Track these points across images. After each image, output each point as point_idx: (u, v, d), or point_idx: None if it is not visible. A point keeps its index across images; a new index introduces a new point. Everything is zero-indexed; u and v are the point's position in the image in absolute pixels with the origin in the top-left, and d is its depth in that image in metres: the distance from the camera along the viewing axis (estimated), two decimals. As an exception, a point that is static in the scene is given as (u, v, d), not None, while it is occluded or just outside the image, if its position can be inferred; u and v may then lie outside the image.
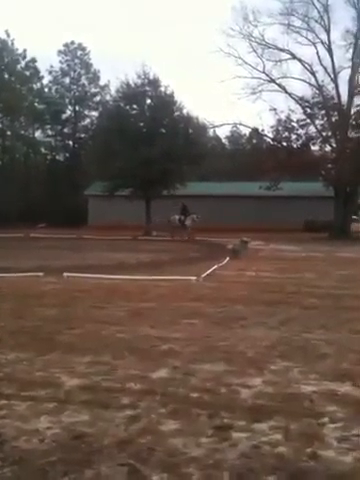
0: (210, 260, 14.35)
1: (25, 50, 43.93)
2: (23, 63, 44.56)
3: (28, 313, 7.11)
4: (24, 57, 44.31)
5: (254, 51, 30.82)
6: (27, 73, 44.99)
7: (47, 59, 55.17)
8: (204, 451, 3.15)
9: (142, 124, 30.41)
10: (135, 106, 30.46)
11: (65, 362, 4.86)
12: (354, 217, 31.55)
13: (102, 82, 46.52)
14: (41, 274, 10.89)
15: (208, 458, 3.07)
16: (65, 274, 10.81)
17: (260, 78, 30.95)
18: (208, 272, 11.43)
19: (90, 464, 2.97)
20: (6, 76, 43.48)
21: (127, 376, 4.47)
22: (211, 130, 40.65)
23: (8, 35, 42.63)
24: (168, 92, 29.98)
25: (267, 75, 30.85)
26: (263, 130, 32.63)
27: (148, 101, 30.54)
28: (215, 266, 12.58)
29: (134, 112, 30.74)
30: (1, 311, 7.23)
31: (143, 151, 26.93)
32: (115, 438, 3.30)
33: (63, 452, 3.11)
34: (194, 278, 10.39)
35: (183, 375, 4.50)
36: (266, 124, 47.65)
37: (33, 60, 44.74)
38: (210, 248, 20.00)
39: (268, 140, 32.75)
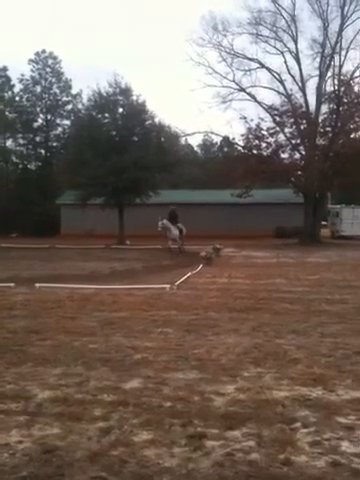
0: (183, 267, 14.37)
1: (-5, 58, 43.53)
2: (-7, 72, 44.05)
3: (-2, 325, 6.98)
4: (-6, 66, 43.82)
5: (224, 60, 31.18)
6: (-2, 82, 44.47)
7: (18, 68, 54.66)
8: (178, 461, 3.14)
9: (114, 133, 30.32)
10: (107, 115, 30.35)
11: (36, 374, 4.79)
12: (323, 223, 32.03)
13: (74, 91, 46.31)
14: (12, 285, 10.72)
15: (181, 468, 3.06)
16: (37, 285, 10.66)
17: (230, 87, 31.31)
18: (182, 280, 11.44)
19: (62, 478, 2.93)
20: (-24, 85, 42.93)
21: (99, 387, 4.43)
22: (183, 138, 40.97)
23: (-23, 43, 42.19)
24: (140, 101, 30.01)
25: (237, 84, 31.22)
26: (234, 138, 33.04)
27: (120, 110, 30.49)
28: (189, 273, 12.61)
29: (106, 121, 30.63)
30: (-30, 324, 7.08)
31: (115, 159, 26.84)
32: (87, 451, 3.26)
33: (34, 466, 3.06)
34: (168, 286, 10.39)
35: (156, 384, 4.48)
36: (237, 132, 48.38)
37: (4, 68, 44.26)
38: (183, 255, 20.03)
39: (239, 148, 33.08)
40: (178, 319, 7.34)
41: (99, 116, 30.48)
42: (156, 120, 30.86)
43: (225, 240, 23.28)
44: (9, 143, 46.61)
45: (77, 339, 6.14)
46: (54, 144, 47.05)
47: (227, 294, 9.62)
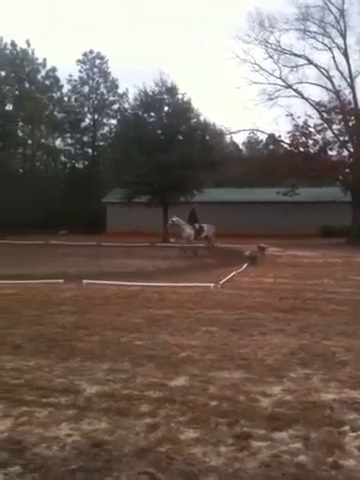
0: (228, 267, 14.31)
1: (45, 59, 44.49)
2: (43, 72, 45.11)
3: (48, 320, 7.18)
4: (44, 66, 44.88)
5: (270, 57, 30.81)
6: (47, 82, 45.54)
7: (66, 68, 55.75)
8: (224, 460, 3.15)
9: (160, 131, 30.58)
10: (153, 114, 30.65)
11: (85, 369, 4.90)
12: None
13: (120, 90, 46.97)
14: (61, 281, 10.99)
15: (228, 467, 3.06)
16: (85, 281, 10.89)
17: (276, 84, 30.92)
18: (226, 279, 11.40)
19: (110, 472, 2.99)
20: (27, 85, 44.12)
21: (146, 384, 4.48)
22: (228, 136, 40.72)
23: (29, 44, 43.24)
24: (185, 99, 30.16)
25: (283, 81, 30.81)
26: (280, 136, 32.54)
27: (166, 108, 30.71)
28: (233, 273, 12.55)
29: (152, 120, 30.93)
30: (22, 318, 7.31)
31: (160, 158, 27.06)
32: (135, 446, 3.31)
33: (83, 460, 3.13)
34: (212, 285, 10.38)
35: (202, 383, 4.49)
36: (283, 130, 47.53)
37: (53, 69, 45.25)
38: (227, 255, 19.93)
39: (285, 146, 32.63)
40: (223, 318, 7.33)
41: (145, 115, 30.81)
42: (201, 118, 30.93)
43: (270, 239, 23.04)
44: (58, 143, 47.81)
45: (124, 335, 6.24)
46: (101, 143, 47.88)
47: (273, 294, 9.52)
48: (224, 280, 11.13)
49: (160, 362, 5.11)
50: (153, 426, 3.60)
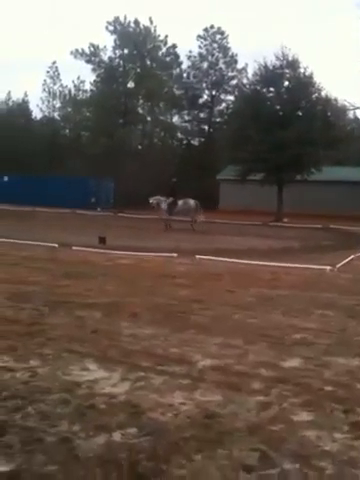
0: (345, 249, 13.69)
1: (166, 36, 45.11)
2: (164, 49, 45.88)
3: (163, 291, 7.42)
4: (165, 43, 45.58)
5: None
6: (167, 59, 46.26)
7: (186, 44, 56.12)
8: (339, 446, 3.04)
9: (278, 107, 29.77)
10: (272, 89, 29.87)
11: (198, 341, 4.99)
12: None
13: (239, 65, 46.34)
14: (175, 255, 11.28)
15: (343, 454, 2.96)
16: (197, 256, 11.06)
17: None
18: (344, 262, 10.91)
19: (222, 445, 3.02)
20: (148, 63, 45.17)
21: (258, 362, 4.46)
22: (351, 112, 38.54)
23: (151, 22, 44.11)
24: (307, 73, 28.93)
25: None
26: None
27: (286, 83, 29.75)
28: (352, 256, 11.96)
29: (271, 95, 30.18)
30: (139, 288, 7.64)
31: (277, 135, 26.38)
32: (246, 422, 3.31)
33: (196, 429, 3.20)
34: (328, 268, 10.00)
35: (317, 367, 4.37)
36: None
37: (174, 46, 45.83)
38: (345, 237, 19.06)
39: None
40: (340, 303, 7.04)
41: (264, 90, 30.13)
42: (323, 93, 29.52)
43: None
44: (175, 119, 48.57)
45: (236, 312, 6.25)
46: (217, 120, 47.81)
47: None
48: (341, 263, 10.66)
49: (273, 342, 5.05)
50: (265, 404, 3.58)
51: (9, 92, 52.34)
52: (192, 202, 22.52)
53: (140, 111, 46.48)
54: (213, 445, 3.01)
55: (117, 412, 3.40)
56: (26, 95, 52.70)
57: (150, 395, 3.71)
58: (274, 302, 6.95)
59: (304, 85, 28.71)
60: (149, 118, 46.93)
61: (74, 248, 12.14)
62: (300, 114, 29.36)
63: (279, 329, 5.55)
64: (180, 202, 22.18)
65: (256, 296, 7.30)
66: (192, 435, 3.13)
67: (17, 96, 52.74)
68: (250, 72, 36.34)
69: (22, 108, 52.33)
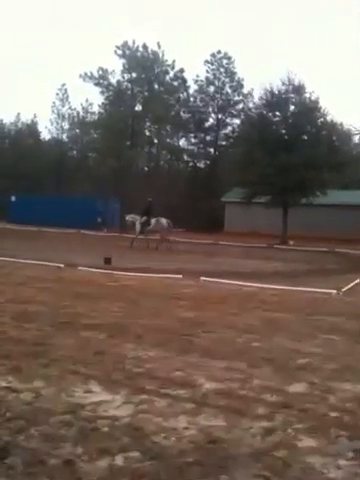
0: (351, 273, 13.65)
1: (174, 61, 45.85)
2: (172, 73, 46.60)
3: (168, 313, 7.40)
4: (173, 67, 46.30)
5: None
6: (175, 83, 46.93)
7: (193, 69, 57.05)
8: (343, 474, 3.01)
9: (284, 131, 30.06)
10: (278, 113, 30.21)
11: (202, 365, 4.96)
12: None
13: (245, 90, 46.99)
14: (180, 276, 11.28)
15: (348, 482, 2.92)
16: (202, 278, 11.06)
17: None
18: (349, 286, 10.87)
19: (225, 470, 2.99)
20: (156, 87, 45.83)
21: (262, 386, 4.43)
22: (357, 137, 38.81)
23: (159, 47, 44.89)
24: (313, 98, 29.29)
25: None
26: None
27: (291, 108, 30.09)
28: (357, 280, 11.91)
29: (276, 119, 30.51)
30: (143, 310, 7.63)
31: (283, 158, 26.60)
32: (250, 448, 3.28)
33: (199, 454, 3.17)
34: (334, 291, 9.97)
35: (321, 392, 4.33)
36: None
37: (181, 70, 46.52)
38: (351, 261, 19.03)
39: None
40: (345, 327, 6.99)
41: (269, 114, 30.46)
42: (328, 118, 29.84)
43: None
44: (182, 142, 49.10)
45: (240, 335, 6.22)
46: (223, 143, 48.28)
47: None
48: (347, 287, 10.62)
49: (277, 366, 5.02)
50: (270, 430, 3.55)
51: (18, 114, 53.29)
52: (164, 221, 22.75)
53: (147, 134, 47.04)
54: (216, 470, 2.98)
55: (120, 435, 3.38)
56: (35, 117, 53.65)
57: (153, 419, 3.68)
58: (279, 326, 6.91)
59: (310, 110, 29.02)
60: (156, 141, 47.47)
61: (80, 268, 12.18)
62: (305, 138, 29.63)
63: (284, 353, 5.51)
64: (153, 220, 22.41)
65: (261, 319, 7.27)
66: (195, 460, 3.10)
67: (26, 117, 53.70)
68: (256, 96, 36.82)
69: (31, 129, 53.15)
